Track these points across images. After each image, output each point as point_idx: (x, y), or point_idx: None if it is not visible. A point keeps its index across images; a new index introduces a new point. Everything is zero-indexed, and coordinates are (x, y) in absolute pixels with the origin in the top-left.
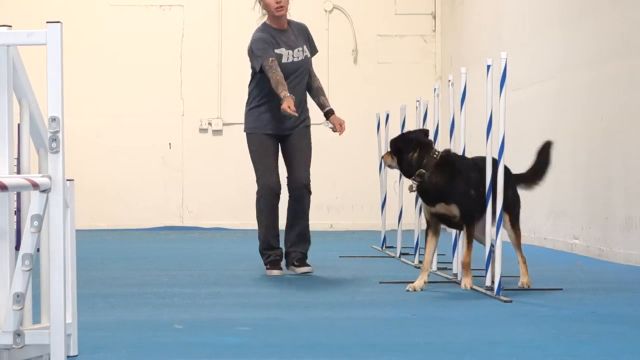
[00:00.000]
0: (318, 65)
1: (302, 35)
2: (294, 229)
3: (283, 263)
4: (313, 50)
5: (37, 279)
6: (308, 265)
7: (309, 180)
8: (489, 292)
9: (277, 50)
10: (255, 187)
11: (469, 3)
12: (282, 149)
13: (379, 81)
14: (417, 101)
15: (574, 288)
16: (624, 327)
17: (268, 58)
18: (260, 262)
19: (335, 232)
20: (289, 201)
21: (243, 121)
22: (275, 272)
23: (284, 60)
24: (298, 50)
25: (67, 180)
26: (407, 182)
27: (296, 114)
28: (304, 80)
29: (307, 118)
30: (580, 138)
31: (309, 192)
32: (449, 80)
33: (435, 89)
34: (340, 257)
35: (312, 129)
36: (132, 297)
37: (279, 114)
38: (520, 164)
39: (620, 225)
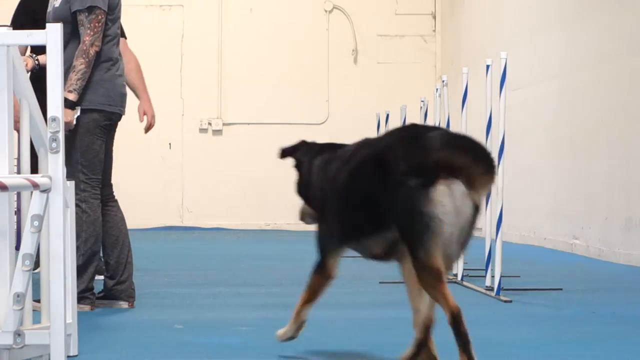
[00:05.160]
0: (319, 65)
1: None
2: None
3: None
4: (72, 1)
5: (37, 279)
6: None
7: (75, 181)
8: (488, 292)
9: None
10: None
11: (469, 3)
12: None
13: (379, 81)
14: (422, 101)
15: (574, 288)
16: (624, 327)
17: None
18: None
19: None
20: None
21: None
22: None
23: (49, 7)
24: None
25: (67, 180)
26: None
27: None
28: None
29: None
30: (580, 138)
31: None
32: (443, 81)
33: (437, 89)
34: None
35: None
36: None
37: None
38: (519, 164)
39: (620, 225)
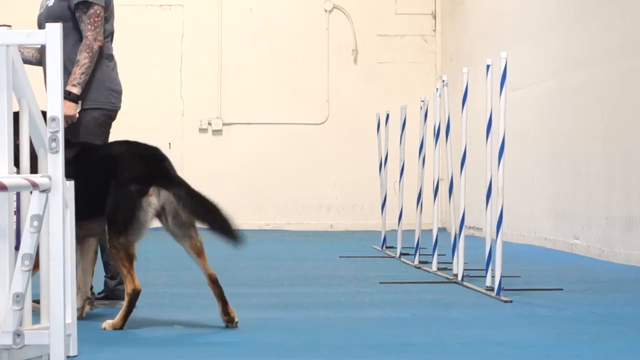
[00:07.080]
0: (319, 65)
1: None
2: None
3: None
4: None
5: (37, 279)
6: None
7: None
8: (489, 292)
9: None
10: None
11: (469, 3)
12: None
13: (379, 81)
14: (422, 101)
15: (574, 288)
16: (624, 327)
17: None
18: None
19: (335, 232)
20: None
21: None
22: None
23: (41, 9)
24: None
25: (67, 180)
26: (408, 182)
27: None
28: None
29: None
30: (580, 138)
31: None
32: (443, 81)
33: (437, 89)
34: (340, 257)
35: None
36: None
37: None
38: (519, 164)
39: (620, 225)
